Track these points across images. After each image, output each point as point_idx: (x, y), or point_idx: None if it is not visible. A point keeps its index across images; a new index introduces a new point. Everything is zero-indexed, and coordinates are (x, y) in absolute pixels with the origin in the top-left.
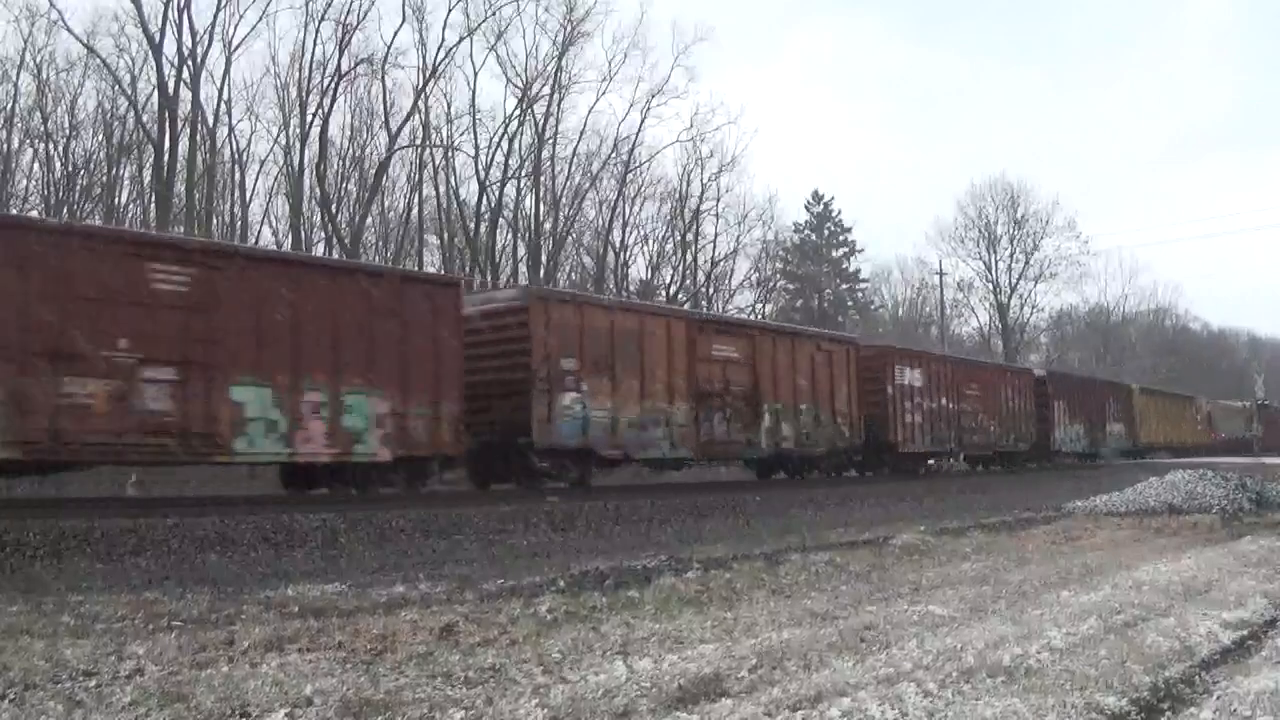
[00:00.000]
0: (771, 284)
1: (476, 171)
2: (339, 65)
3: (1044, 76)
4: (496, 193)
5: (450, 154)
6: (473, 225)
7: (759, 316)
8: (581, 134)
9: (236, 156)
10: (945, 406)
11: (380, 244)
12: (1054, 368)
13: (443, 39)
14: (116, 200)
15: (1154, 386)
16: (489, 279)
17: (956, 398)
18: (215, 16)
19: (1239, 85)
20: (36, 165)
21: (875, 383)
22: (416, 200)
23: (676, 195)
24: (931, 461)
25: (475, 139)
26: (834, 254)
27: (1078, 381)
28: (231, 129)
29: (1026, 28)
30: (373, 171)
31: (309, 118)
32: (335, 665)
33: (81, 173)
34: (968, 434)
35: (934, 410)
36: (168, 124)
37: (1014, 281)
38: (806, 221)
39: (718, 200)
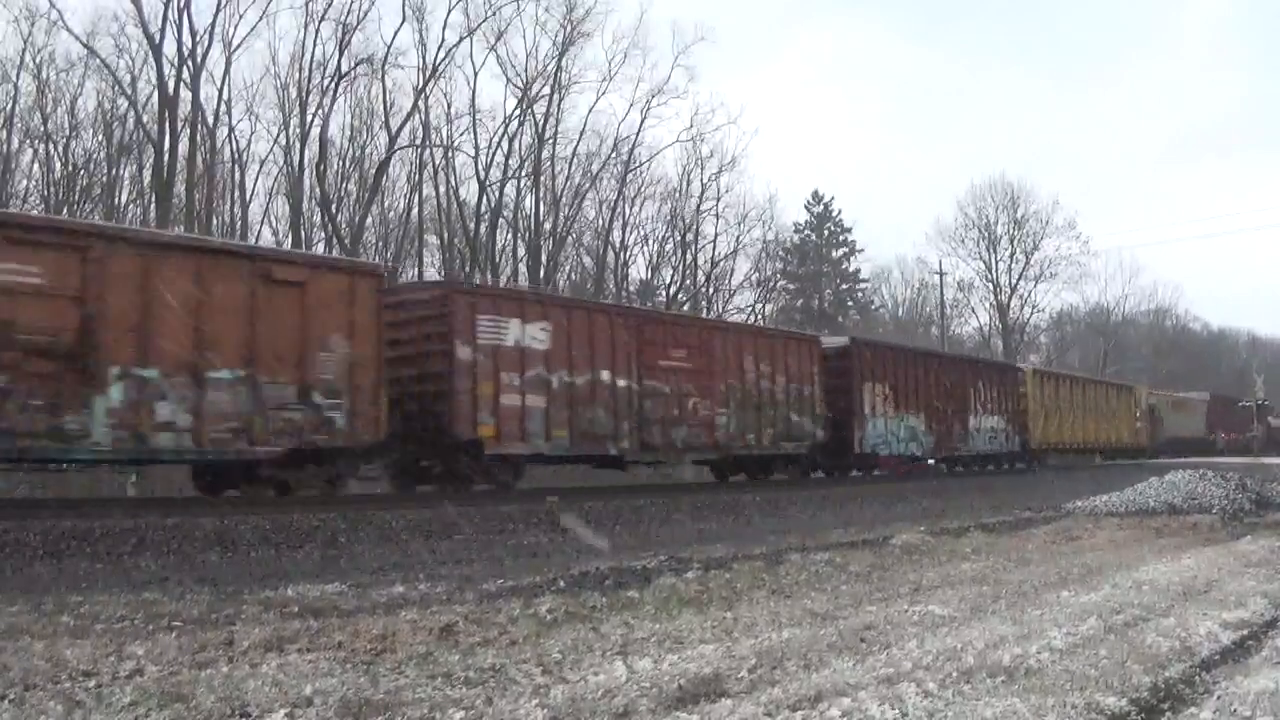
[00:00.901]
0: (771, 284)
1: (476, 171)
2: (339, 65)
3: (1044, 76)
4: (496, 193)
5: (450, 154)
6: (473, 225)
7: (759, 317)
8: (581, 134)
9: (236, 156)
10: (605, 383)
11: (380, 244)
12: (863, 335)
13: (443, 39)
14: (116, 200)
15: (1058, 370)
16: (489, 278)
17: (636, 371)
18: (215, 16)
19: (1239, 86)
20: (36, 165)
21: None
22: (416, 200)
23: (676, 195)
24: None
25: (475, 139)
26: (834, 254)
27: (910, 356)
28: (231, 129)
29: (1026, 28)
30: (373, 171)
31: (309, 118)
32: (335, 665)
33: (81, 173)
34: (664, 428)
35: (566, 389)
36: (168, 124)
37: (1014, 281)
38: (806, 221)
39: (718, 200)
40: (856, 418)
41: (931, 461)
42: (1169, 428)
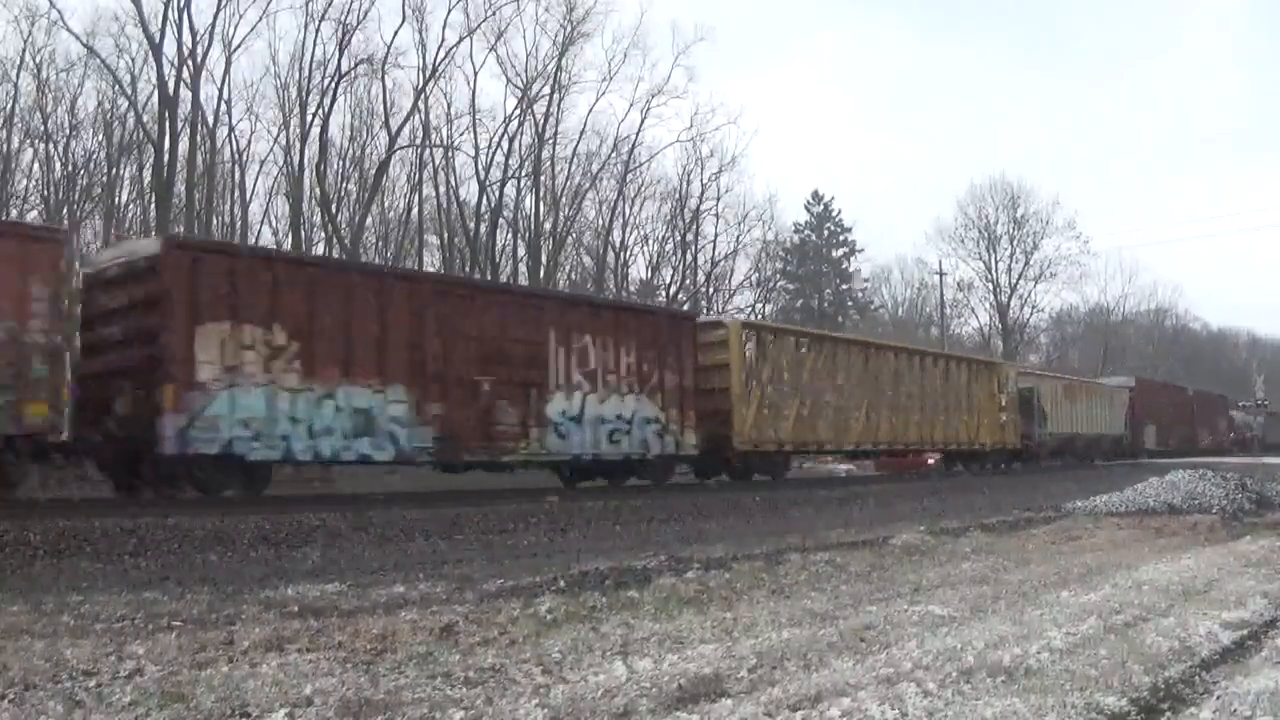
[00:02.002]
0: (771, 284)
1: (476, 171)
2: (339, 65)
3: (1044, 76)
4: (496, 193)
5: (450, 154)
6: (473, 225)
7: (758, 317)
8: (581, 134)
9: (236, 156)
10: None
11: (380, 244)
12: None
13: (443, 39)
14: (116, 200)
15: (810, 330)
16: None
17: None
18: (215, 16)
19: (1240, 86)
20: (36, 165)
21: None
22: (416, 200)
23: (676, 195)
24: None
25: (475, 139)
26: (834, 254)
27: (366, 279)
28: (231, 129)
29: (1027, 29)
30: (373, 171)
31: (309, 118)
32: (335, 665)
33: (81, 173)
34: None
35: None
36: (168, 124)
37: (1014, 281)
38: (806, 221)
39: (718, 200)
40: (177, 385)
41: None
42: (1061, 422)
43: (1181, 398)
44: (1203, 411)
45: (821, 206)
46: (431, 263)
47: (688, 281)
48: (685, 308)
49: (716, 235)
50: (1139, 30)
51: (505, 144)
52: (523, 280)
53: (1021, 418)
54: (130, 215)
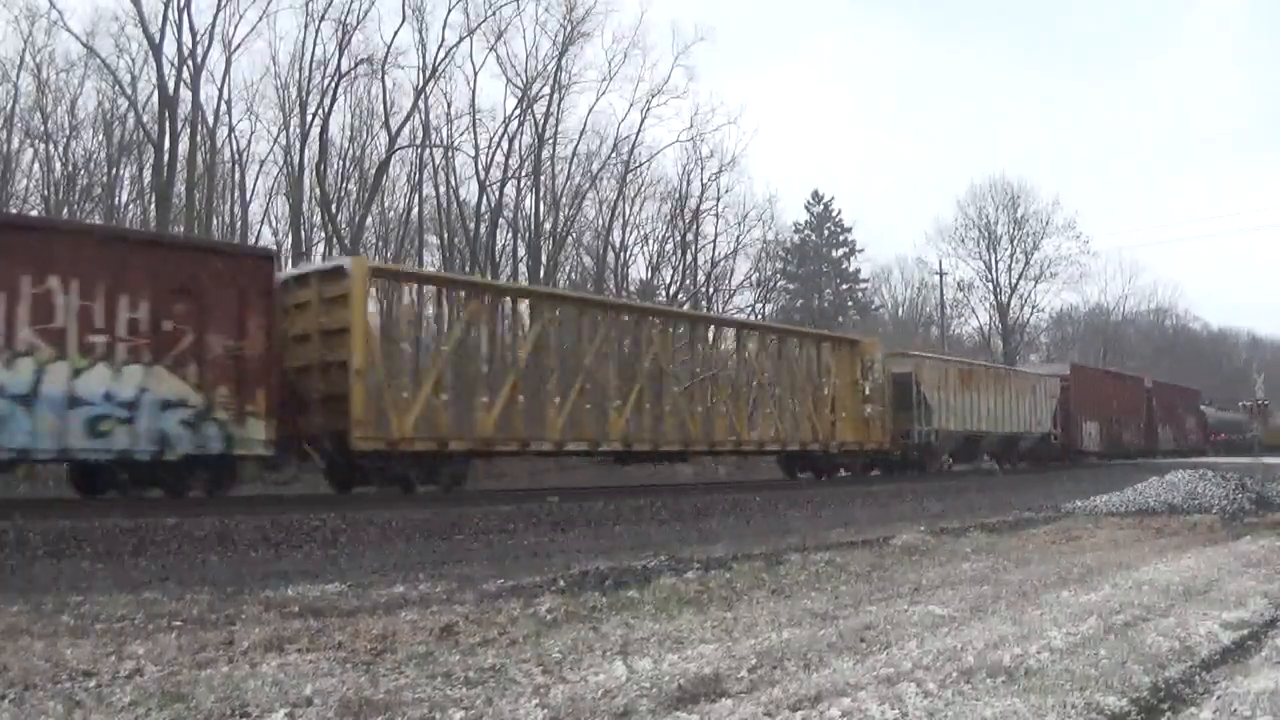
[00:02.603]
0: (771, 284)
1: (476, 171)
2: (339, 65)
3: (1045, 77)
4: (496, 193)
5: (450, 154)
6: (473, 225)
7: (759, 317)
8: (581, 134)
9: (236, 156)
10: None
11: (380, 244)
12: None
13: (443, 39)
14: (117, 200)
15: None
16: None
17: None
18: (215, 16)
19: (1240, 86)
20: (36, 165)
21: None
22: (416, 200)
23: (676, 195)
24: None
25: (475, 139)
26: (834, 254)
27: None
28: (231, 129)
29: (1027, 29)
30: (373, 171)
31: (309, 118)
32: (335, 665)
33: (81, 173)
34: None
35: None
36: (168, 124)
37: (1014, 281)
38: (806, 221)
39: (718, 200)
40: None
41: None
42: (957, 417)
43: (1135, 390)
44: (1165, 407)
45: (821, 206)
46: (433, 262)
47: (688, 281)
48: (685, 308)
49: (716, 235)
50: (1139, 30)
51: (505, 144)
52: (522, 279)
53: (896, 411)
54: (130, 215)
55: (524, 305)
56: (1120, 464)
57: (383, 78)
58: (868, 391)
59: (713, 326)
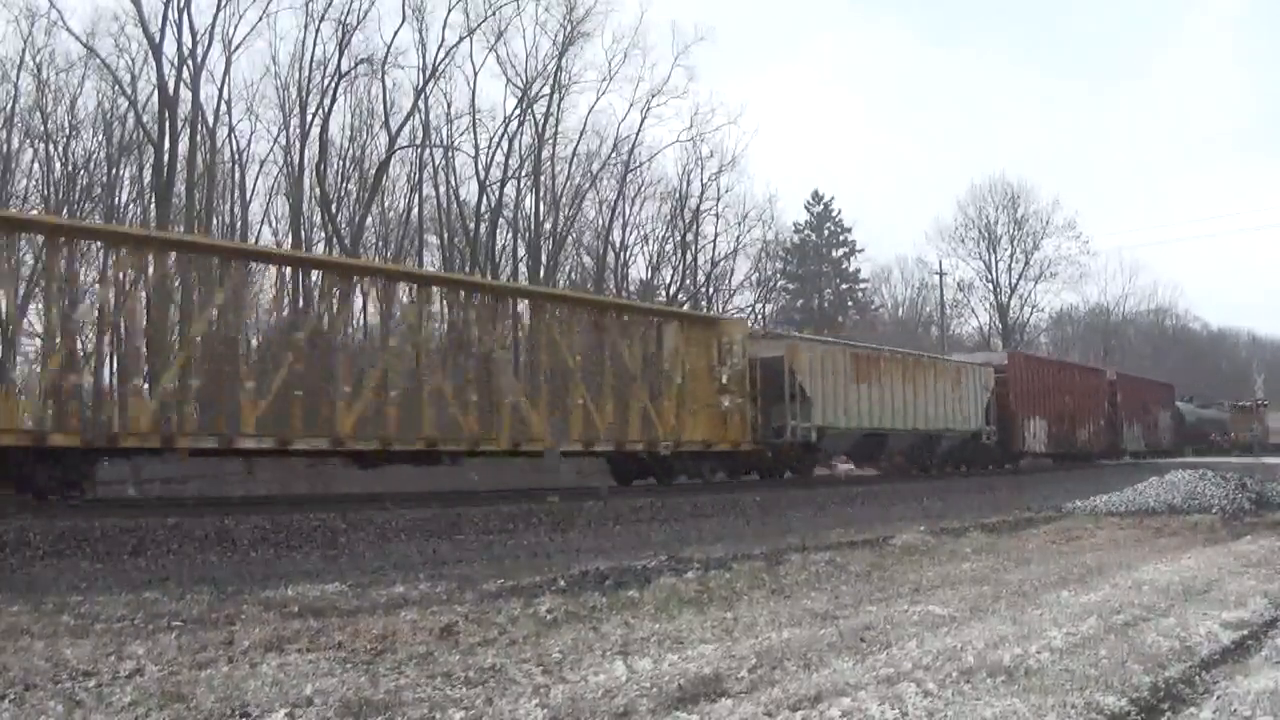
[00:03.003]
0: (771, 284)
1: (476, 171)
2: (339, 65)
3: (1045, 77)
4: (496, 193)
5: (450, 154)
6: (473, 225)
7: (759, 316)
8: (581, 134)
9: (236, 156)
10: None
11: (380, 244)
12: None
13: (443, 39)
14: (116, 200)
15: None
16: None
17: None
18: (215, 16)
19: (1240, 86)
20: (36, 165)
21: None
22: (416, 200)
23: (676, 195)
24: None
25: (475, 139)
26: (834, 254)
27: None
28: (231, 129)
29: (1027, 29)
30: (373, 171)
31: (309, 118)
32: (335, 665)
33: (81, 173)
34: None
35: None
36: (168, 124)
37: (1014, 281)
38: (806, 221)
39: (718, 200)
40: None
41: None
42: (847, 412)
43: (1094, 383)
44: (1132, 403)
45: (821, 206)
46: (432, 262)
47: (688, 281)
48: (685, 308)
49: (716, 235)
50: (1139, 30)
51: (505, 144)
52: (522, 279)
53: (767, 404)
54: (130, 215)
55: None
56: (1079, 468)
57: (383, 78)
58: (725, 380)
59: (496, 297)
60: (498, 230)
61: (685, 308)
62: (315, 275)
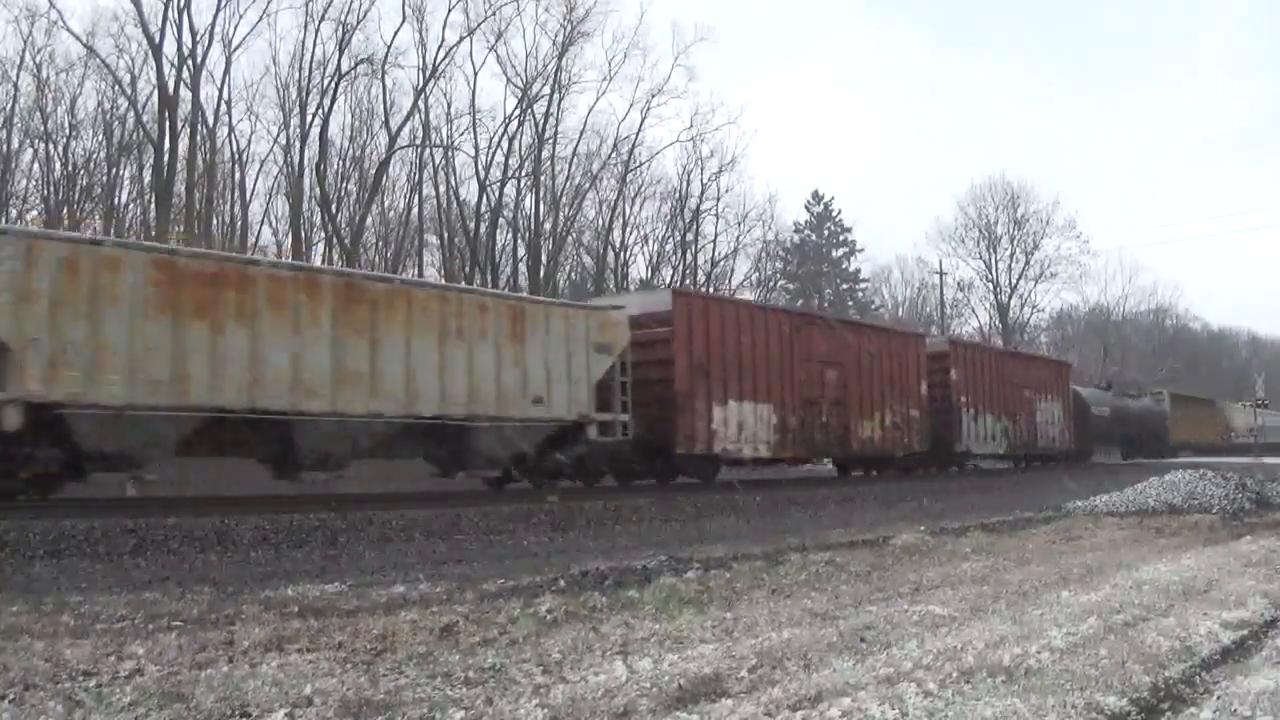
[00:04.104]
0: (771, 284)
1: (476, 171)
2: (339, 65)
3: (1045, 77)
4: (496, 193)
5: (450, 154)
6: (473, 225)
7: None
8: (581, 134)
9: (236, 156)
10: None
11: (380, 244)
12: None
13: (443, 39)
14: (116, 200)
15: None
16: (489, 279)
17: None
18: (215, 16)
19: (1241, 87)
20: (36, 165)
21: None
22: (416, 200)
23: (676, 195)
24: None
25: (475, 139)
26: (834, 254)
27: None
28: (231, 129)
29: (1028, 30)
30: (373, 171)
31: (309, 118)
32: (335, 665)
33: (81, 173)
34: None
35: None
36: (168, 124)
37: (1014, 281)
38: (806, 221)
39: (718, 200)
40: None
41: None
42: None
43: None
44: (975, 386)
45: (821, 206)
46: (432, 262)
47: (688, 281)
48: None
49: (716, 235)
50: (1139, 31)
51: (505, 144)
52: (522, 280)
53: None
54: (130, 215)
55: None
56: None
57: (383, 78)
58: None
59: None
60: (498, 230)
61: None
62: None
